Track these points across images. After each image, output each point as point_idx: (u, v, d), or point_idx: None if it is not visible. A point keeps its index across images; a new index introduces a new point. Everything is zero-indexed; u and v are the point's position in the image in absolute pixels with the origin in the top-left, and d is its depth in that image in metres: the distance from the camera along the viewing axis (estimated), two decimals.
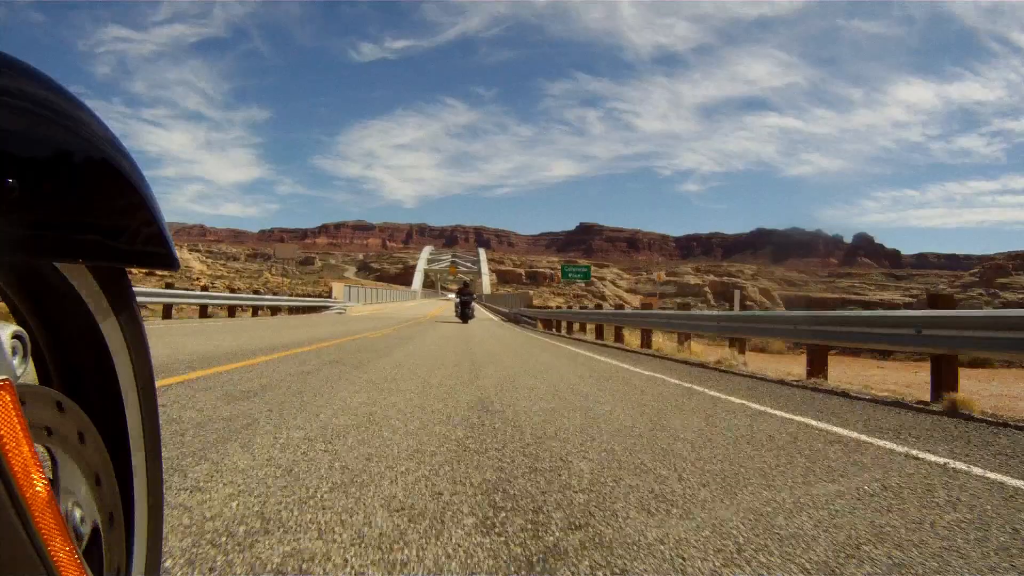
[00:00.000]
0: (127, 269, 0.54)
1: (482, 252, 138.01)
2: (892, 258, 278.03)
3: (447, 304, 40.08)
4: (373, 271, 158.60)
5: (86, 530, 0.43)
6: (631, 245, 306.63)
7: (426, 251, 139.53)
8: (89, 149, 0.42)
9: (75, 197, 0.41)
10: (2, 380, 0.35)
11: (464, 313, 20.96)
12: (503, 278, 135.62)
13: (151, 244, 0.48)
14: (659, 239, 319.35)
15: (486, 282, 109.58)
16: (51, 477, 0.40)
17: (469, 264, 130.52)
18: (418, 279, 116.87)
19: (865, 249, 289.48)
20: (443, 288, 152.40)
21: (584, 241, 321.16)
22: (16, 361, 0.39)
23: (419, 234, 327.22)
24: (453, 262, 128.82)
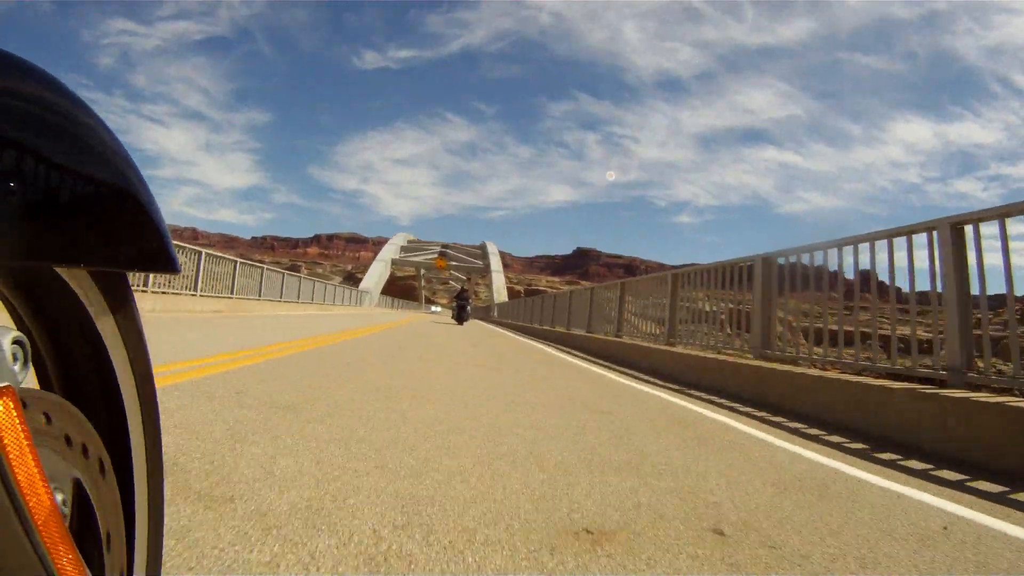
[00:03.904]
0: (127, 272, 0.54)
1: (491, 245, 71.57)
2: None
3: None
4: (358, 281, 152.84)
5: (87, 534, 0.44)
6: (628, 271, 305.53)
7: (399, 237, 71.08)
8: (92, 152, 0.42)
9: (77, 201, 0.40)
10: (4, 387, 0.35)
11: (460, 316, 23.11)
12: None
13: (152, 248, 0.47)
14: (656, 267, 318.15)
15: (498, 284, 61.18)
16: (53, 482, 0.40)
17: (469, 259, 71.56)
18: (375, 272, 60.79)
19: (866, 285, 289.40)
20: (429, 300, 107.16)
21: (580, 265, 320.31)
22: (17, 367, 0.38)
23: None
24: (443, 253, 68.61)
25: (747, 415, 4.24)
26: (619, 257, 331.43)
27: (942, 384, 3.59)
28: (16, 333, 0.39)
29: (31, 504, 0.33)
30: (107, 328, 0.52)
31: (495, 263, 65.72)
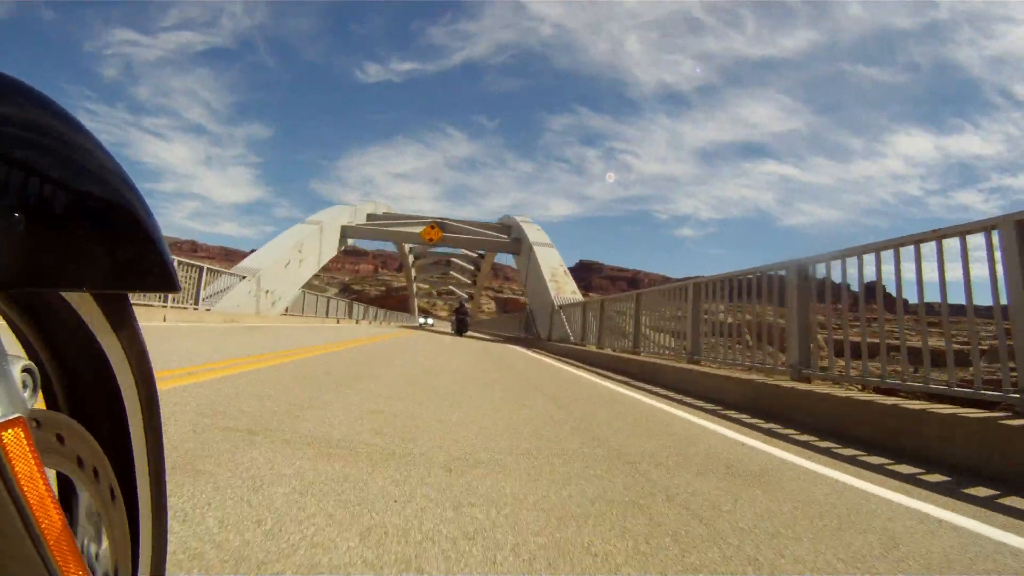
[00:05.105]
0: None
1: (518, 218, 29.69)
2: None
3: None
4: (353, 292, 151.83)
5: (95, 550, 0.46)
6: (632, 284, 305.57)
7: (369, 204, 31.24)
8: (92, 178, 0.42)
9: (80, 228, 0.41)
10: (16, 418, 0.35)
11: (460, 329, 23.57)
12: (504, 307, 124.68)
13: (153, 269, 0.48)
14: (660, 280, 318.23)
15: (552, 263, 22.83)
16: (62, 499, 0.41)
17: (484, 233, 31.05)
18: (288, 241, 21.56)
19: (872, 296, 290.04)
20: (426, 311, 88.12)
21: (584, 278, 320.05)
22: (27, 394, 0.39)
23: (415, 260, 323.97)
24: (438, 223, 29.73)
25: None
26: (623, 270, 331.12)
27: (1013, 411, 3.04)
28: (25, 361, 0.40)
29: (43, 525, 0.34)
30: (110, 346, 0.53)
31: (533, 233, 28.59)
